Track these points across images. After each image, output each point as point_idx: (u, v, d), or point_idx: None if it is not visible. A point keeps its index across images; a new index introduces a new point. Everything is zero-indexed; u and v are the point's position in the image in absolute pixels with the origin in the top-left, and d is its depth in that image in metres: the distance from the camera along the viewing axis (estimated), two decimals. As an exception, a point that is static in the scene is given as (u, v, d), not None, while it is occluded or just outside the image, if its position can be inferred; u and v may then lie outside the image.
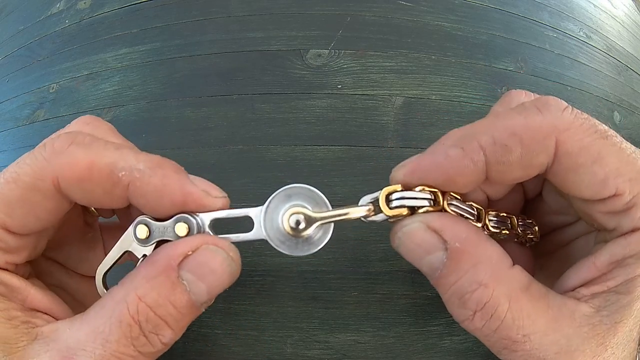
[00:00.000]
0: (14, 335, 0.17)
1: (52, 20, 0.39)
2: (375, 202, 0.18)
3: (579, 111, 0.17)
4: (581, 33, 0.40)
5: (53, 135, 0.18)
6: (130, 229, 0.18)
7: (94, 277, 0.22)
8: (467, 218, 0.18)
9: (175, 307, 0.16)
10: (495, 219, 0.19)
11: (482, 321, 0.16)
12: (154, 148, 0.30)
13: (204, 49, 0.32)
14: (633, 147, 0.17)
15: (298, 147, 0.28)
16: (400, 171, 0.17)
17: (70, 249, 0.21)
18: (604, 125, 0.17)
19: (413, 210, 0.17)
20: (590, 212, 0.17)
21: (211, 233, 0.18)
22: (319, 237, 0.19)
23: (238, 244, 0.19)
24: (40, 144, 0.17)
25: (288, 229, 0.18)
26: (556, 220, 0.21)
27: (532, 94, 0.20)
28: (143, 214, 0.18)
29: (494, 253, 0.17)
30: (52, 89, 0.35)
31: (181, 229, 0.18)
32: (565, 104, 0.17)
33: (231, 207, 0.19)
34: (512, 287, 0.16)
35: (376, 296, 0.26)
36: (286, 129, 0.29)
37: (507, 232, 0.19)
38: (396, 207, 0.17)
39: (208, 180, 0.19)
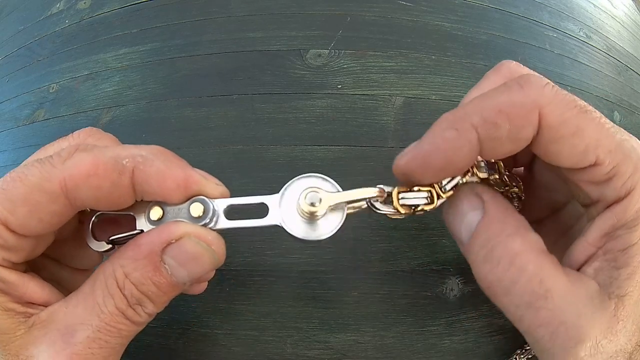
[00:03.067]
0: (11, 325, 0.17)
1: (52, 20, 0.39)
2: (386, 191, 0.19)
3: (559, 87, 0.17)
4: (581, 33, 0.40)
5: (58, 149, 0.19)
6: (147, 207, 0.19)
7: (87, 270, 0.22)
8: (462, 183, 0.19)
9: (157, 286, 0.18)
10: (484, 163, 0.20)
11: (506, 271, 0.17)
12: (154, 148, 0.30)
13: (204, 49, 0.32)
14: (612, 123, 0.18)
15: (298, 147, 0.28)
16: (403, 159, 0.18)
17: (64, 246, 0.21)
18: (583, 101, 0.17)
19: (415, 208, 0.19)
20: (575, 182, 0.18)
21: (225, 218, 0.19)
22: (331, 225, 0.19)
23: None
24: (48, 156, 0.18)
25: (304, 208, 0.19)
26: (549, 197, 0.22)
27: (522, 66, 0.20)
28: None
29: (520, 219, 0.19)
30: (52, 89, 0.35)
31: (197, 209, 0.18)
32: (546, 80, 0.17)
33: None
34: (534, 246, 0.18)
35: (376, 296, 0.26)
36: (286, 129, 0.29)
37: (498, 176, 0.20)
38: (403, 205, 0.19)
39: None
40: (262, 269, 0.26)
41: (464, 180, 0.20)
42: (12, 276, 0.18)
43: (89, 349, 0.17)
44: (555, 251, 0.21)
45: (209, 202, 0.19)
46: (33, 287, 0.18)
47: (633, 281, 0.17)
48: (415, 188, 0.19)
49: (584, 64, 0.38)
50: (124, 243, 0.19)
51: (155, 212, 0.19)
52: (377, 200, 0.19)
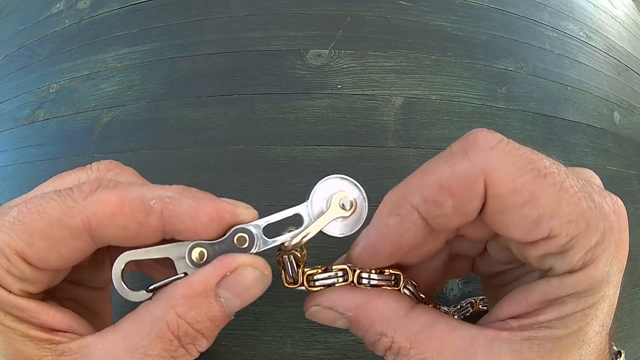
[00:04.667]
0: (36, 351, 0.17)
1: (52, 20, 0.39)
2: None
3: (516, 145, 0.15)
4: (581, 33, 0.40)
5: (78, 183, 0.18)
6: (186, 249, 0.18)
7: (105, 288, 0.22)
8: (334, 283, 0.19)
9: (212, 321, 0.17)
10: (377, 276, 0.19)
11: (392, 356, 0.18)
12: (154, 148, 0.30)
13: (204, 49, 0.32)
14: (580, 185, 0.15)
15: (298, 147, 0.28)
16: (356, 251, 0.18)
17: (81, 271, 0.20)
18: (547, 160, 0.15)
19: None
20: (523, 254, 0.17)
21: (266, 239, 0.19)
22: (357, 216, 0.20)
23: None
24: (67, 188, 0.17)
25: (337, 212, 0.19)
26: (505, 267, 0.21)
27: (493, 134, 0.18)
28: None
29: (386, 308, 0.18)
30: (52, 89, 0.35)
31: (242, 240, 0.19)
32: (498, 138, 0.16)
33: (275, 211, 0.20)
34: (412, 329, 0.17)
35: (376, 296, 0.26)
36: (286, 129, 0.29)
37: (390, 288, 0.20)
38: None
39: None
40: (262, 269, 0.26)
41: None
42: (31, 304, 0.17)
43: None
44: (504, 291, 0.20)
45: (249, 229, 0.19)
46: (54, 314, 0.17)
47: (569, 341, 0.16)
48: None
49: (584, 64, 0.38)
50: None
51: (197, 253, 0.18)
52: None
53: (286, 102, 0.30)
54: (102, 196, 0.17)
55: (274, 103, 0.30)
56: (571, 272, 0.15)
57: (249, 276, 0.18)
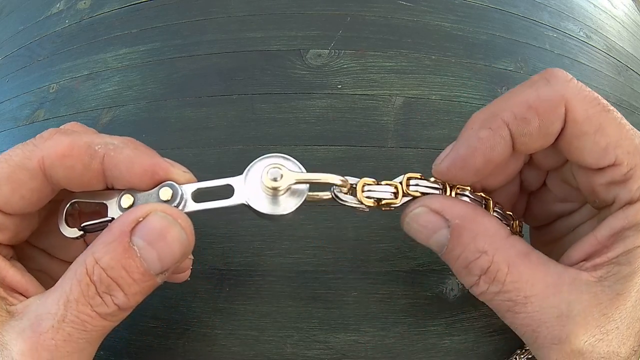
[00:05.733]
0: None
1: (52, 20, 0.39)
2: (351, 184, 0.20)
3: (584, 84, 0.18)
4: (581, 33, 0.40)
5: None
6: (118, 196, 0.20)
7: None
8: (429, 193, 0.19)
9: (127, 271, 0.17)
10: (471, 195, 0.20)
11: (486, 285, 0.18)
12: (154, 148, 0.30)
13: (204, 49, 0.32)
14: (630, 125, 0.18)
15: (298, 147, 0.28)
16: (444, 164, 0.19)
17: (52, 238, 0.22)
18: (605, 100, 0.18)
19: (379, 202, 0.20)
20: (591, 184, 0.18)
21: (192, 201, 0.20)
22: (295, 201, 0.20)
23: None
24: (33, 138, 0.19)
25: (267, 184, 0.19)
26: (562, 207, 0.22)
27: (566, 72, 0.21)
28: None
29: (491, 225, 0.18)
30: (52, 89, 0.35)
31: (165, 193, 0.19)
32: (571, 76, 0.18)
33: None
34: (510, 253, 0.18)
35: (376, 296, 0.26)
36: (286, 129, 0.29)
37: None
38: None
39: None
40: (262, 269, 0.26)
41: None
42: None
43: (52, 340, 0.17)
44: (555, 249, 0.21)
45: (176, 186, 0.19)
46: (13, 274, 0.18)
47: (632, 281, 0.17)
48: (383, 182, 0.20)
49: (584, 64, 0.38)
50: (98, 231, 0.19)
51: (126, 200, 0.20)
52: (340, 191, 0.20)
53: (286, 102, 0.30)
54: (57, 139, 0.18)
55: (274, 103, 0.30)
56: (631, 202, 0.17)
57: (158, 221, 0.18)
